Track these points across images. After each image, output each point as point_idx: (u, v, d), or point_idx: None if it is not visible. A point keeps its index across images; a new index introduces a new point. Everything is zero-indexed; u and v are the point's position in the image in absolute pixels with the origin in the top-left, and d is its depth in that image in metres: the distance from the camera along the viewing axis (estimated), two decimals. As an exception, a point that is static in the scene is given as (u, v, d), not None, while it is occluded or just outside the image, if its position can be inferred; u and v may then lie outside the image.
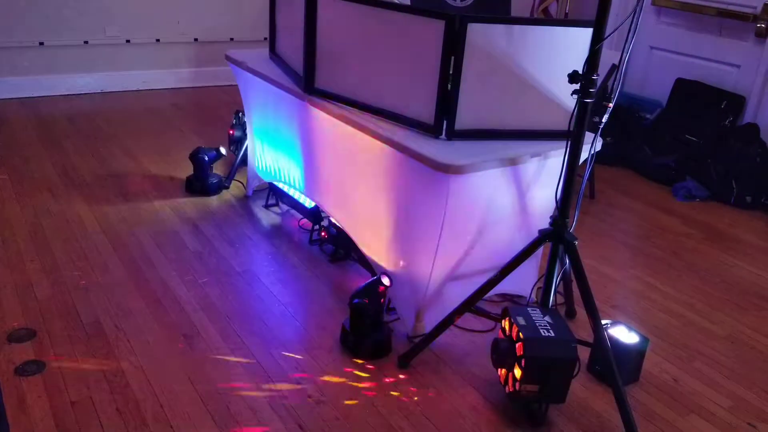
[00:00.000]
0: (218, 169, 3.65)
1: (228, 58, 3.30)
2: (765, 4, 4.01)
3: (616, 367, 2.02)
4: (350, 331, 2.34)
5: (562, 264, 2.45)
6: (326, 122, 2.64)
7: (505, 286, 2.47)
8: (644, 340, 2.31)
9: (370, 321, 2.30)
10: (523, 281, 2.59)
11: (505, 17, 2.88)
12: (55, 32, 4.72)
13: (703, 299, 2.89)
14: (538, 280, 2.54)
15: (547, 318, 2.06)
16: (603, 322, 2.17)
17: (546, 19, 4.76)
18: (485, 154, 2.19)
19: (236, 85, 3.46)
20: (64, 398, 2.04)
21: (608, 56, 3.26)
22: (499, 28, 2.18)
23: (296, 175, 3.06)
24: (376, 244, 2.57)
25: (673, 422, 2.15)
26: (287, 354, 2.33)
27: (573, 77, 2.00)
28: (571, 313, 2.67)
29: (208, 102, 5.06)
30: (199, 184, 3.46)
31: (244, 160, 3.59)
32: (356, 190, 2.61)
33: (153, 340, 2.34)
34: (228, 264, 2.86)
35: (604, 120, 2.09)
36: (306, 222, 3.21)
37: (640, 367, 2.34)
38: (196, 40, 5.26)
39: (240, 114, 3.65)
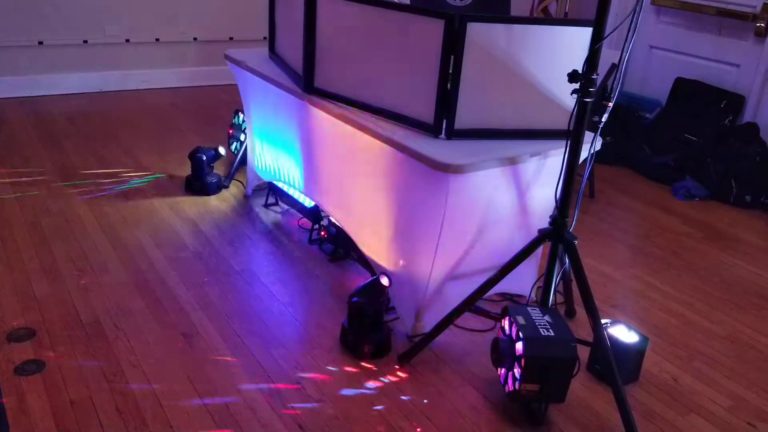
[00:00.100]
0: (218, 169, 3.64)
1: (227, 57, 3.30)
2: (765, 4, 4.01)
3: (615, 367, 2.02)
4: (349, 330, 2.34)
5: (562, 263, 2.45)
6: (326, 122, 2.64)
7: (505, 285, 2.47)
8: (644, 339, 2.32)
9: (368, 320, 2.30)
10: (522, 280, 2.59)
11: (504, 16, 2.88)
12: (55, 31, 4.72)
13: (702, 298, 2.89)
14: (538, 279, 2.54)
15: (546, 317, 2.06)
16: (603, 321, 2.17)
17: (546, 19, 4.76)
18: (485, 154, 2.19)
19: (236, 85, 3.45)
20: (64, 398, 2.04)
21: (608, 55, 3.26)
22: (498, 28, 2.18)
23: (296, 174, 3.06)
24: (375, 243, 2.57)
25: (672, 421, 2.15)
26: (287, 353, 2.32)
27: (573, 76, 2.00)
28: (570, 313, 2.67)
29: (208, 101, 5.06)
30: (199, 184, 3.46)
31: (244, 160, 3.59)
32: (356, 189, 2.61)
33: (153, 339, 2.34)
34: (227, 263, 2.86)
35: (603, 119, 2.09)
36: (305, 221, 3.21)
37: (639, 366, 2.34)
38: (195, 39, 5.26)
39: (239, 113, 3.64)
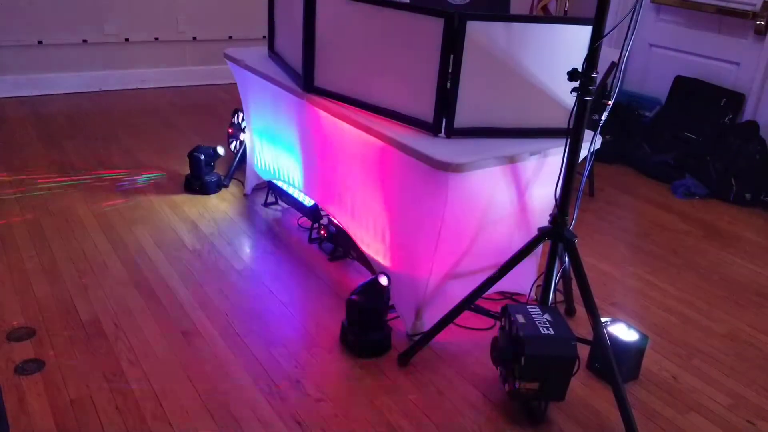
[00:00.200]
0: (218, 168, 3.64)
1: (227, 56, 3.30)
2: (765, 2, 4.01)
3: (615, 365, 2.02)
4: (349, 329, 2.34)
5: (562, 262, 2.45)
6: (325, 120, 2.64)
7: (505, 284, 2.47)
8: (644, 337, 2.32)
9: (366, 318, 2.30)
10: (522, 279, 2.59)
11: (504, 15, 2.88)
12: (54, 31, 4.72)
13: (702, 297, 2.89)
14: (538, 278, 2.54)
15: (546, 316, 2.06)
16: (602, 319, 2.17)
17: (545, 17, 4.76)
18: (484, 152, 2.19)
19: (235, 84, 3.45)
20: (64, 397, 2.05)
21: (607, 54, 3.26)
22: (498, 26, 2.18)
23: (295, 173, 3.06)
24: (375, 242, 2.57)
25: (672, 420, 2.15)
26: (286, 352, 2.32)
27: (572, 75, 2.00)
28: (570, 311, 2.67)
29: (207, 100, 5.06)
30: (198, 183, 3.46)
31: (244, 159, 3.59)
32: (355, 188, 2.61)
33: (152, 338, 2.34)
34: (227, 262, 2.86)
35: (603, 118, 2.09)
36: (305, 220, 3.21)
37: (639, 364, 2.34)
38: (195, 38, 5.26)
39: (239, 112, 3.64)
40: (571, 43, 2.22)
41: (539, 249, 2.52)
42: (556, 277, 2.28)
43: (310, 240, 3.09)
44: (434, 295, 2.41)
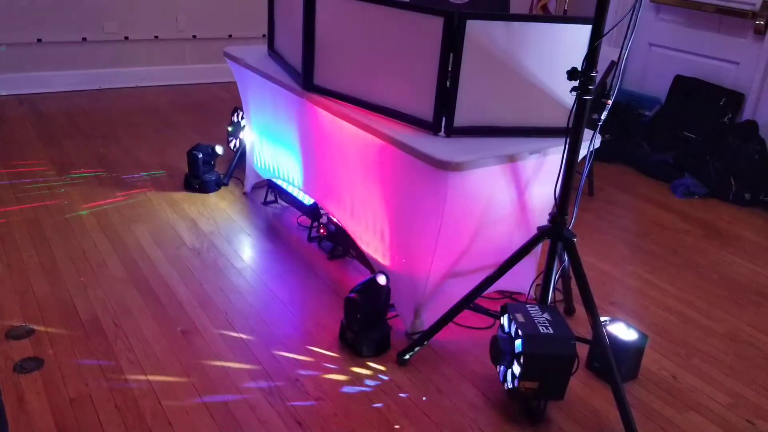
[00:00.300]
0: (219, 167, 3.64)
1: (227, 55, 3.30)
2: (764, 1, 4.00)
3: (615, 364, 2.02)
4: (347, 327, 2.34)
5: (561, 261, 2.45)
6: (325, 119, 2.64)
7: (504, 283, 2.47)
8: (643, 337, 2.32)
9: (363, 316, 2.29)
10: (522, 278, 2.59)
11: (503, 14, 2.88)
12: (53, 29, 4.71)
13: (701, 296, 2.89)
14: (537, 277, 2.54)
15: (545, 315, 2.06)
16: (602, 319, 2.17)
17: (545, 16, 4.76)
18: (484, 151, 2.19)
19: (235, 82, 3.45)
20: (63, 395, 2.04)
21: (607, 53, 3.26)
22: (498, 25, 2.18)
23: (295, 172, 3.06)
24: (374, 241, 2.57)
25: (671, 419, 2.15)
26: (286, 351, 2.32)
27: (572, 74, 2.00)
28: (569, 310, 2.67)
29: (207, 99, 5.05)
30: (197, 182, 3.46)
31: (243, 157, 3.58)
32: (355, 187, 2.61)
33: (152, 337, 2.34)
34: (226, 261, 2.86)
35: (603, 117, 2.09)
36: (304, 219, 3.21)
37: (638, 364, 2.34)
38: (194, 36, 5.26)
39: (239, 111, 3.64)
40: (570, 42, 2.22)
41: (539, 248, 2.52)
42: (555, 276, 2.28)
43: (310, 239, 3.09)
44: (434, 293, 2.41)
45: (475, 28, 2.16)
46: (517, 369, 1.99)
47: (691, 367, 2.42)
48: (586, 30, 2.08)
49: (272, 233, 3.14)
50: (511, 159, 2.23)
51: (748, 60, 4.16)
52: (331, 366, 2.27)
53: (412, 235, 2.38)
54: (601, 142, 2.47)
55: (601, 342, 2.08)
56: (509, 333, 2.07)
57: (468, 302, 2.28)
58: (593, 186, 3.93)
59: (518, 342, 1.99)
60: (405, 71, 2.33)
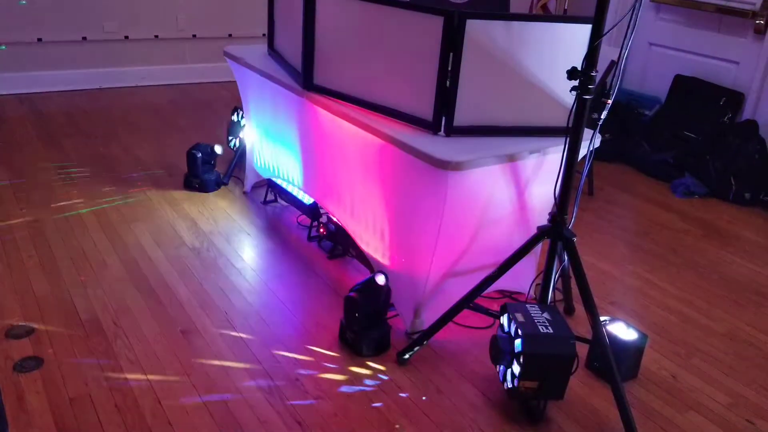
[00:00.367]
0: (219, 166, 3.64)
1: (226, 54, 3.29)
2: (764, 1, 4.00)
3: (614, 364, 2.02)
4: (347, 327, 2.34)
5: (561, 261, 2.45)
6: (325, 119, 2.64)
7: (504, 282, 2.47)
8: (643, 336, 2.32)
9: (363, 316, 2.29)
10: (521, 278, 2.59)
11: (503, 13, 2.88)
12: (53, 28, 4.71)
13: (701, 296, 2.89)
14: (537, 276, 2.54)
15: (545, 315, 2.06)
16: (601, 318, 2.17)
17: (545, 15, 4.75)
18: (484, 151, 2.19)
19: (235, 82, 3.45)
20: (63, 395, 2.04)
21: (607, 52, 3.25)
22: (497, 25, 2.18)
23: (294, 171, 3.06)
24: (374, 240, 2.57)
25: (671, 419, 2.15)
26: (285, 350, 2.32)
27: (572, 73, 2.00)
28: (569, 310, 2.67)
29: (207, 98, 5.05)
30: (197, 181, 3.46)
31: (243, 157, 3.58)
32: (354, 186, 2.61)
33: (151, 336, 2.34)
34: (226, 260, 2.86)
35: (602, 116, 2.09)
36: (304, 218, 3.21)
37: (638, 363, 2.34)
38: (194, 36, 5.26)
39: (239, 110, 3.64)
40: (570, 41, 2.22)
41: (538, 248, 2.52)
42: (555, 275, 2.28)
43: (310, 238, 3.09)
44: (433, 293, 2.41)
45: (474, 28, 2.16)
46: (516, 368, 1.99)
47: (690, 366, 2.42)
48: (586, 29, 2.08)
49: (272, 233, 3.14)
50: (511, 158, 2.23)
51: (748, 59, 4.16)
52: (331, 365, 2.27)
53: (411, 235, 2.38)
54: (601, 142, 2.47)
55: (600, 341, 2.08)
56: (509, 332, 2.07)
57: (468, 302, 2.28)
58: (593, 185, 3.93)
59: (518, 341, 1.99)
60: (405, 71, 2.33)
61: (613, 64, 3.58)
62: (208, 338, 2.35)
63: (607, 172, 4.25)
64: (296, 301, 2.62)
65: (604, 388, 2.25)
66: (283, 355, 2.30)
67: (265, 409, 2.05)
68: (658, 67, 4.66)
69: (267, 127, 3.23)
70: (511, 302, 2.16)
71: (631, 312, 2.73)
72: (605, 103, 2.06)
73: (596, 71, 1.99)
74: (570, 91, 2.03)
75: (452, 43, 2.17)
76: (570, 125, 2.07)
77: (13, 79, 4.68)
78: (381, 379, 2.23)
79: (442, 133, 2.31)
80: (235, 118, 3.69)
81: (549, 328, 2.00)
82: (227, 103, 4.83)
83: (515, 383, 2.00)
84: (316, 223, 3.07)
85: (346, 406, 2.10)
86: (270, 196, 3.43)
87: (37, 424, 1.93)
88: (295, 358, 2.29)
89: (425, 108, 2.30)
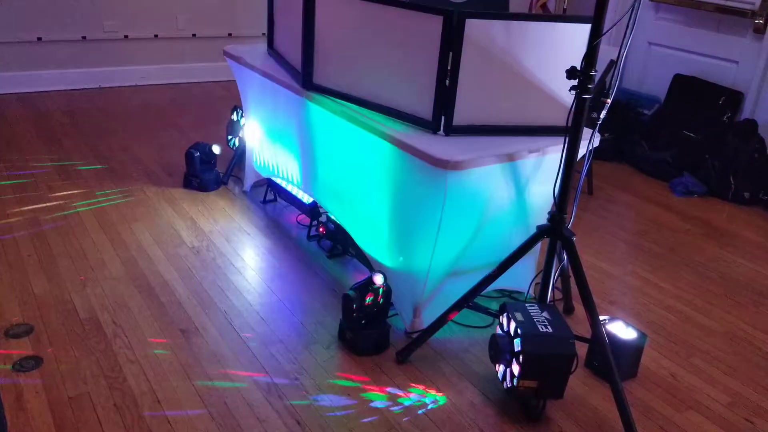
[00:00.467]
0: (219, 165, 3.64)
1: (226, 53, 3.29)
2: (763, 0, 4.00)
3: (614, 363, 2.02)
4: (346, 326, 2.34)
5: (560, 260, 2.45)
6: (324, 118, 2.64)
7: (503, 281, 2.47)
8: (642, 336, 2.32)
9: (361, 314, 2.29)
10: (521, 277, 2.59)
11: (503, 13, 2.88)
12: (53, 27, 4.71)
13: (701, 295, 2.90)
14: (536, 275, 2.54)
15: (545, 314, 2.06)
16: (601, 317, 2.17)
17: (544, 15, 4.76)
18: (483, 150, 2.19)
19: (234, 81, 3.45)
20: (62, 394, 2.04)
21: (606, 52, 3.25)
22: (497, 24, 2.18)
23: (294, 170, 3.06)
24: (373, 239, 2.57)
25: (671, 418, 2.16)
26: (285, 349, 2.33)
27: (571, 73, 2.00)
28: (569, 309, 2.68)
29: (207, 98, 5.05)
30: (197, 180, 3.46)
31: (243, 156, 3.58)
32: (354, 185, 2.61)
33: (150, 335, 2.34)
34: (225, 260, 2.86)
35: (602, 116, 2.09)
36: (304, 218, 3.21)
37: (638, 362, 2.34)
38: (194, 35, 5.25)
39: (238, 110, 3.64)
40: (569, 41, 2.22)
41: (538, 247, 2.52)
42: (554, 275, 2.28)
43: (309, 237, 3.09)
44: (433, 292, 2.41)
45: (474, 27, 2.16)
46: (516, 368, 1.99)
47: (690, 366, 2.42)
48: (585, 29, 2.08)
49: (272, 232, 3.14)
50: (511, 158, 2.23)
51: (748, 59, 4.16)
52: (330, 364, 2.27)
53: (411, 234, 2.38)
54: (601, 141, 2.47)
55: (600, 341, 2.08)
56: (508, 332, 2.07)
57: (467, 301, 2.28)
58: (592, 185, 3.93)
59: (517, 341, 1.99)
60: (404, 70, 2.33)
61: (612, 64, 3.58)
62: (207, 337, 2.35)
63: (606, 171, 4.25)
64: (295, 300, 2.62)
65: (604, 387, 2.25)
66: (282, 354, 2.30)
67: (264, 408, 2.05)
68: (658, 67, 4.66)
69: (266, 126, 3.23)
70: (511, 301, 2.17)
71: (630, 311, 2.73)
72: (604, 103, 2.05)
73: (595, 71, 1.99)
74: (569, 90, 2.03)
75: (451, 43, 2.17)
76: (569, 124, 2.07)
77: (13, 78, 4.68)
78: (380, 377, 2.23)
79: (441, 132, 2.31)
80: (234, 117, 3.68)
81: (548, 327, 2.00)
82: (227, 103, 4.82)
83: (514, 382, 2.00)
84: (315, 223, 3.07)
85: (345, 405, 2.10)
86: (270, 196, 3.44)
87: (37, 423, 1.93)
88: (295, 357, 2.29)
89: (425, 107, 2.30)
